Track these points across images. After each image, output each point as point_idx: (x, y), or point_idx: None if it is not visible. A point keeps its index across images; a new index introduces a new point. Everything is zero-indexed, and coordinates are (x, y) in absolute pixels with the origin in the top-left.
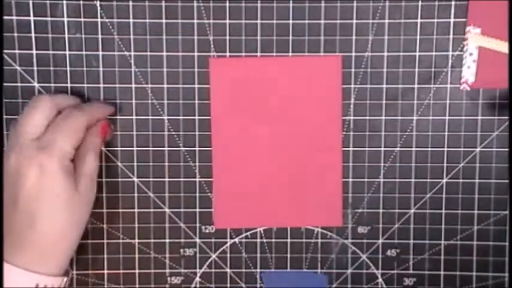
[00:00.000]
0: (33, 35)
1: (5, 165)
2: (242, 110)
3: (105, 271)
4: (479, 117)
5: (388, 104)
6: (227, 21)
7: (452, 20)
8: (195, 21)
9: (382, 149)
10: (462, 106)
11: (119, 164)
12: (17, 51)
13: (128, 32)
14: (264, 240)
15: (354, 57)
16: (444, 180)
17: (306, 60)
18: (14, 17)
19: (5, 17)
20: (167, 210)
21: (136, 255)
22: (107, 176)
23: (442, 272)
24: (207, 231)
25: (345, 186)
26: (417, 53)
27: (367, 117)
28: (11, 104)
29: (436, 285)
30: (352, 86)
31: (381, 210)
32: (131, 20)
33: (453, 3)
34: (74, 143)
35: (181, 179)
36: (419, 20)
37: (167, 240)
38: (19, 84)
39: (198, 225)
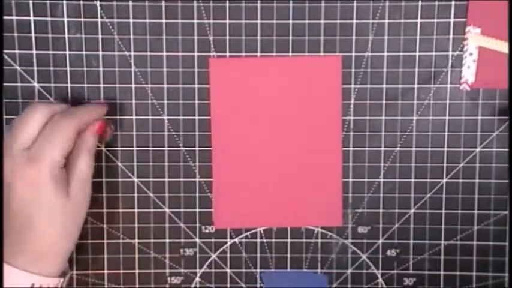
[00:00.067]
0: (33, 35)
1: None
2: (242, 110)
3: (105, 271)
4: (479, 117)
5: (388, 104)
6: (227, 21)
7: (452, 20)
8: (195, 21)
9: (382, 149)
10: (462, 106)
11: (119, 164)
12: (17, 51)
13: (127, 32)
14: (264, 240)
15: (354, 57)
16: (444, 180)
17: (306, 60)
18: (14, 17)
19: (5, 17)
20: (167, 210)
21: (136, 255)
22: (107, 176)
23: (442, 272)
24: (207, 231)
25: (345, 186)
26: (417, 53)
27: (367, 117)
28: (11, 104)
29: (436, 285)
30: (352, 86)
31: (380, 210)
32: (131, 20)
33: (453, 3)
34: (63, 152)
35: (181, 179)
36: (419, 20)
37: (167, 240)
38: (19, 84)
39: (198, 225)
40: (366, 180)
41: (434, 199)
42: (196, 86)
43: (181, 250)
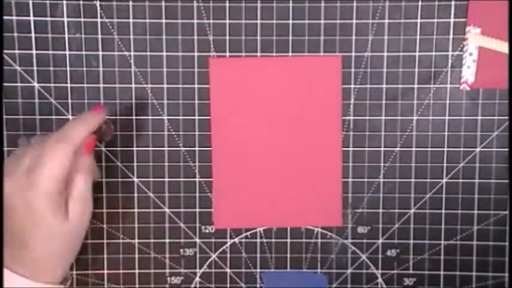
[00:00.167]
0: (33, 35)
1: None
2: (242, 110)
3: (105, 271)
4: (479, 117)
5: (388, 104)
6: (227, 21)
7: (452, 20)
8: (195, 21)
9: (382, 149)
10: (462, 106)
11: (119, 164)
12: (17, 51)
13: (127, 32)
14: (264, 240)
15: (353, 57)
16: (444, 180)
17: (306, 60)
18: (14, 17)
19: (5, 17)
20: (167, 210)
21: (136, 255)
22: (107, 176)
23: (442, 272)
24: (207, 231)
25: (345, 186)
26: (417, 53)
27: (367, 117)
28: (11, 104)
29: (436, 285)
30: (352, 86)
31: (380, 210)
32: (131, 20)
33: (453, 3)
34: (60, 177)
35: (181, 179)
36: (419, 20)
37: (167, 240)
38: (19, 84)
39: (198, 225)
40: (365, 180)
41: (434, 199)
42: (196, 86)
43: (181, 250)
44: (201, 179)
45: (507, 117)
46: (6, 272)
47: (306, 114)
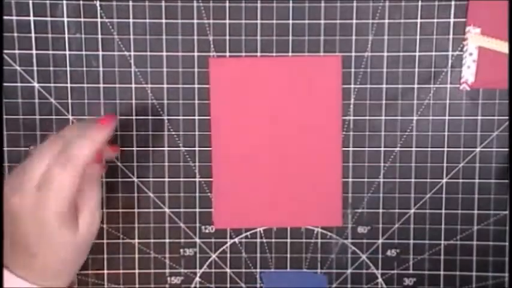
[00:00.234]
0: (33, 35)
1: (4, 204)
2: (242, 110)
3: (105, 271)
4: (479, 117)
5: (388, 104)
6: (227, 21)
7: (452, 20)
8: (195, 21)
9: (382, 149)
10: (462, 106)
11: (119, 164)
12: (17, 51)
13: (127, 32)
14: (264, 240)
15: (353, 57)
16: (444, 180)
17: (306, 60)
18: (14, 17)
19: (5, 17)
20: (167, 210)
21: (136, 255)
22: (107, 176)
23: (442, 272)
24: (207, 231)
25: (345, 186)
26: (417, 53)
27: (367, 117)
28: (11, 104)
29: (436, 285)
30: (352, 86)
31: (380, 210)
32: (131, 20)
33: (453, 3)
34: (70, 197)
35: (181, 179)
36: (419, 20)
37: (167, 240)
38: (19, 84)
39: (198, 225)
40: (365, 180)
41: (434, 199)
42: (196, 86)
43: (181, 250)
44: (201, 179)
45: (507, 117)
46: (5, 274)
47: (306, 114)
